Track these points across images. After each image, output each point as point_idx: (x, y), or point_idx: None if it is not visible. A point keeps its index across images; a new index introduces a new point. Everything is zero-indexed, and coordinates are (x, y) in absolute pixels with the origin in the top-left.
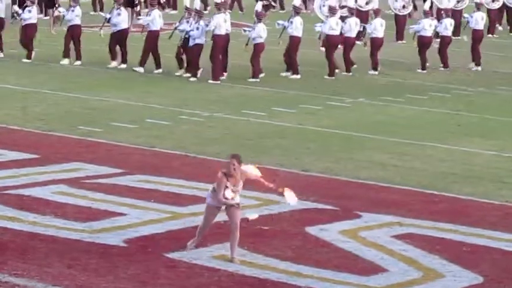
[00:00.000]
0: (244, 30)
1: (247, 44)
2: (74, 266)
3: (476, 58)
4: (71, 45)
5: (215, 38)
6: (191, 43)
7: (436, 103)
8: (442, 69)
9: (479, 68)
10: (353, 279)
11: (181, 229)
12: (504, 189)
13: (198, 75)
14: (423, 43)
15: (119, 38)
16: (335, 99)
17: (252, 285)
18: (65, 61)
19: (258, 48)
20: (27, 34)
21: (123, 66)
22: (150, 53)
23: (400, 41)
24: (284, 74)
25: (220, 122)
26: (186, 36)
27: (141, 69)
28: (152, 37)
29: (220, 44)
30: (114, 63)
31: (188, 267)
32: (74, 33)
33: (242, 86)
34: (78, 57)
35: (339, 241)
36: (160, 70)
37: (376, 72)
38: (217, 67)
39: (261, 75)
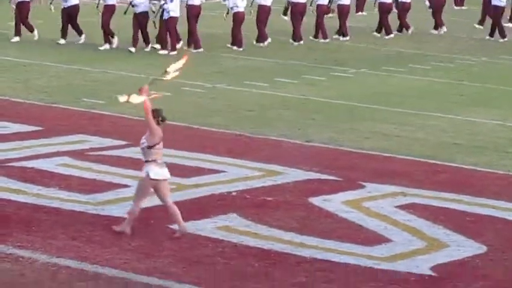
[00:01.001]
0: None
1: (227, 13)
2: (78, 238)
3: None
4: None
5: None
6: (165, 16)
7: (438, 73)
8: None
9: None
10: (357, 249)
11: (185, 200)
12: (507, 158)
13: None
14: (384, 9)
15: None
16: (338, 69)
17: (256, 256)
18: (62, 41)
19: (237, 18)
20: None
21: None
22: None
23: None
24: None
25: (223, 94)
26: (161, 10)
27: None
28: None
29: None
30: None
31: (192, 238)
32: (71, 14)
33: (244, 57)
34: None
35: (343, 211)
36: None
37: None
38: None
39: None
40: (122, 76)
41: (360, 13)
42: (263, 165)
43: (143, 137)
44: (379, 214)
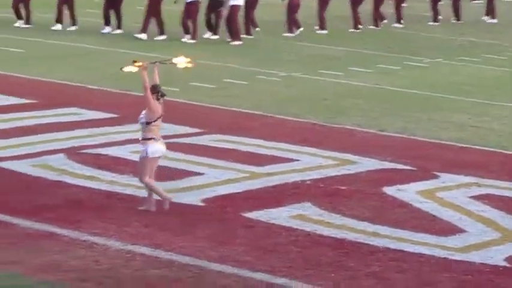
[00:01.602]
0: None
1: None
2: (151, 225)
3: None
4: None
5: None
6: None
7: None
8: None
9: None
10: (430, 239)
11: (259, 189)
12: None
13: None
14: None
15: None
16: (412, 59)
17: (330, 245)
18: (58, 26)
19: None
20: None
21: (119, 31)
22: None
23: None
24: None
25: (298, 82)
26: None
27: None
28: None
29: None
30: (107, 29)
31: (266, 227)
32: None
33: (319, 45)
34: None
35: (417, 201)
36: (164, 37)
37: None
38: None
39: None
40: (196, 64)
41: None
42: (337, 154)
43: (142, 112)
44: (453, 204)
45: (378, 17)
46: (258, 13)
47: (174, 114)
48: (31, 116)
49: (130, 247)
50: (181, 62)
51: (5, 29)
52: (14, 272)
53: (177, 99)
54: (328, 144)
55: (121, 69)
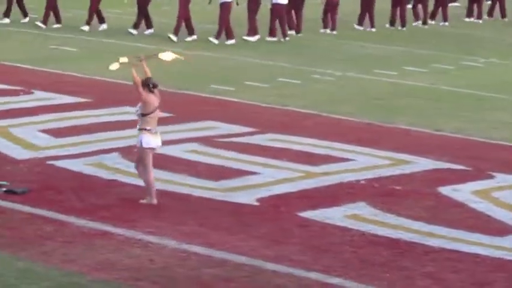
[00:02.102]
0: None
1: None
2: (206, 224)
3: None
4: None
5: None
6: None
7: None
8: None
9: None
10: (486, 239)
11: (314, 188)
12: None
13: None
14: None
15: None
16: (467, 58)
17: (384, 245)
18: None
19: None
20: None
21: (150, 31)
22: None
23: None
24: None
25: (352, 82)
26: None
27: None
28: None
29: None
30: (133, 31)
31: (320, 226)
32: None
33: (373, 45)
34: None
35: (472, 201)
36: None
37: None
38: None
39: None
40: (250, 63)
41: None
42: (392, 154)
43: (138, 104)
44: (509, 205)
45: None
46: (312, 13)
47: (228, 113)
48: (85, 115)
49: (185, 246)
50: (168, 56)
51: (59, 28)
52: (69, 271)
53: (232, 99)
54: (383, 144)
55: (108, 67)
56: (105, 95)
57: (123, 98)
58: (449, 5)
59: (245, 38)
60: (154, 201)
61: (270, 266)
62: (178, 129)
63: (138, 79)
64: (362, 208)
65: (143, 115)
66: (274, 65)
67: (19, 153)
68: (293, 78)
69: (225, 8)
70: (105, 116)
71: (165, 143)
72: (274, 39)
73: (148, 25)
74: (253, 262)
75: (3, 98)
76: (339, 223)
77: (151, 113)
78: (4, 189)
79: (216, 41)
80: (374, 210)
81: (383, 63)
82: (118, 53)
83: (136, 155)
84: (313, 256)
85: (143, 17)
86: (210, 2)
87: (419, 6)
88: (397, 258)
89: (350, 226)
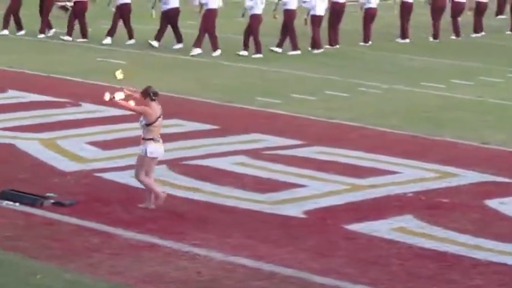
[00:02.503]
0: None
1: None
2: (253, 237)
3: None
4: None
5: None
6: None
7: None
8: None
9: None
10: None
11: (361, 201)
12: None
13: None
14: None
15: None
16: None
17: (431, 257)
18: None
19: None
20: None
21: (179, 46)
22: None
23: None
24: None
25: (400, 94)
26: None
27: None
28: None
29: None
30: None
31: (367, 239)
32: (123, 12)
33: (419, 57)
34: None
35: None
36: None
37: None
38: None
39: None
40: (296, 76)
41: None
42: (439, 166)
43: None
44: None
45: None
46: (356, 25)
47: (275, 126)
48: (133, 128)
49: (232, 258)
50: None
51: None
52: (116, 283)
53: (279, 111)
54: (429, 157)
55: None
56: None
57: (170, 111)
58: (497, 17)
59: (290, 53)
60: (152, 206)
61: (317, 278)
62: (225, 142)
63: (132, 106)
64: (409, 221)
65: (147, 125)
66: (322, 78)
67: (66, 165)
68: (340, 91)
69: (254, 19)
70: None
71: (212, 155)
72: (321, 50)
73: (179, 39)
74: (300, 275)
75: (51, 111)
76: (385, 236)
77: (155, 121)
78: (52, 201)
79: (259, 55)
80: (421, 223)
81: (430, 76)
82: (166, 66)
83: (137, 162)
84: (360, 269)
85: (165, 30)
86: (243, 15)
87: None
88: (445, 271)
89: (397, 239)
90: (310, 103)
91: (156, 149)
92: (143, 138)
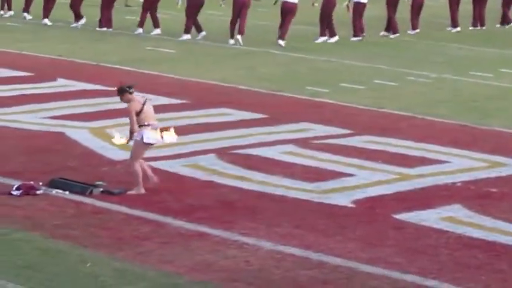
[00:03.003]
0: None
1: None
2: (302, 226)
3: None
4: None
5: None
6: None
7: None
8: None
9: None
10: None
11: (409, 190)
12: None
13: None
14: None
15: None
16: None
17: (480, 247)
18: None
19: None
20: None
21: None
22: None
23: None
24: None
25: (448, 84)
26: None
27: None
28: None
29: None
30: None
31: (416, 228)
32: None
33: (468, 47)
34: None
35: None
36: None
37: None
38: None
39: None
40: (345, 65)
41: None
42: (488, 156)
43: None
44: None
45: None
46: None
47: (324, 115)
48: (182, 116)
49: (280, 248)
50: (169, 138)
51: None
52: (166, 271)
53: (327, 100)
54: (478, 146)
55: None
56: (201, 96)
57: (219, 100)
58: None
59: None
60: (142, 190)
61: (366, 268)
62: (274, 131)
63: (130, 119)
64: (457, 210)
65: (137, 115)
66: (370, 67)
67: (116, 154)
68: (389, 80)
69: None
70: (201, 117)
71: (260, 144)
72: (359, 38)
73: (198, 29)
74: (349, 264)
75: (100, 99)
76: (434, 225)
77: (142, 108)
78: (101, 189)
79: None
80: (469, 213)
81: (479, 65)
82: (215, 55)
83: (133, 149)
84: (409, 258)
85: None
86: (275, 3)
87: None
88: (493, 261)
89: (445, 228)
90: (359, 92)
91: (152, 136)
92: (139, 125)
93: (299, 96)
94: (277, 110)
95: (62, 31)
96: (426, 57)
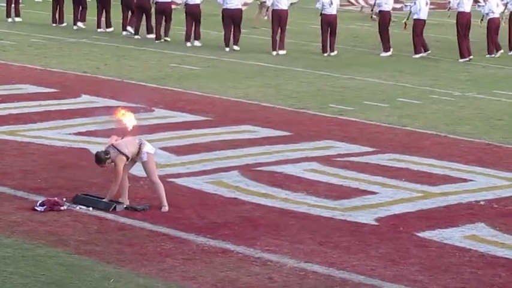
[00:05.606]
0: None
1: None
2: (325, 244)
3: None
4: None
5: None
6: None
7: None
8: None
9: None
10: None
11: (433, 209)
12: None
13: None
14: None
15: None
16: None
17: (504, 266)
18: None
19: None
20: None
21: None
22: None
23: None
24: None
25: (472, 102)
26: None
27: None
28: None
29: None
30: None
31: (439, 247)
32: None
33: (494, 65)
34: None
35: None
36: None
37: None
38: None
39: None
40: (369, 83)
41: None
42: (511, 174)
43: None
44: None
45: None
46: (433, 33)
47: (348, 133)
48: (206, 133)
49: (303, 265)
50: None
51: (180, 46)
52: None
53: (351, 118)
54: (503, 165)
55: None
56: (226, 113)
57: (243, 117)
58: None
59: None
60: (127, 202)
61: (389, 285)
62: (297, 148)
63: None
64: (481, 229)
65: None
66: (395, 85)
67: (139, 170)
68: (413, 98)
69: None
70: (225, 134)
71: (284, 161)
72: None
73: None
74: (372, 282)
75: None
76: (457, 243)
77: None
78: (125, 205)
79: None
80: (493, 231)
81: (503, 84)
82: (239, 72)
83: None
84: (432, 276)
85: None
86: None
87: None
88: None
89: (468, 247)
90: (383, 110)
91: (148, 144)
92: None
93: (323, 114)
94: (301, 128)
95: (87, 47)
96: (451, 76)
